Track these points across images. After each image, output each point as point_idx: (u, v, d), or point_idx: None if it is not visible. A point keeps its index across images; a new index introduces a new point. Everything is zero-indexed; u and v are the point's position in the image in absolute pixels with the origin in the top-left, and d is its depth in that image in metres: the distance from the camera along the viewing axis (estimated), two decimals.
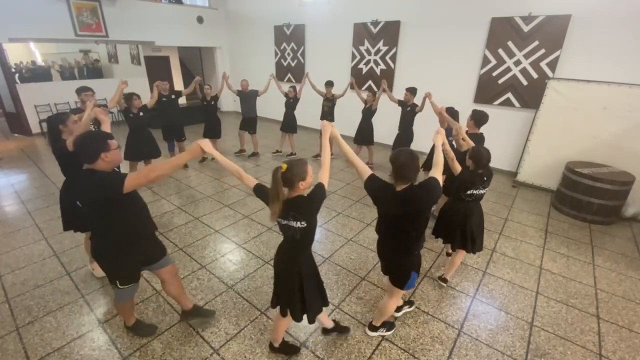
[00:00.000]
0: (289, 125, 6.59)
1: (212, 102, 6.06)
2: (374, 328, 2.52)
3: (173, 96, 5.62)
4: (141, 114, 4.70)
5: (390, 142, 5.72)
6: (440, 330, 2.59)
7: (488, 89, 5.87)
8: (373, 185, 2.03)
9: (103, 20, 7.78)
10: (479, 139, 3.38)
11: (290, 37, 8.70)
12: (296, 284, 1.96)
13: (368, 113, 5.84)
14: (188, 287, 2.98)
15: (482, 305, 2.86)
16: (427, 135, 3.03)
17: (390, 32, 6.78)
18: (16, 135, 8.22)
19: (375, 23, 6.94)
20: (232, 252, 3.52)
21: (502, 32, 5.48)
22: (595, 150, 4.73)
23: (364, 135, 6.01)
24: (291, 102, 6.49)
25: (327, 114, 6.50)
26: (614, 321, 2.73)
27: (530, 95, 5.45)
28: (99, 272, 2.97)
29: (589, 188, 4.27)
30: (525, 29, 5.24)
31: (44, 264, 3.29)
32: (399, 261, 2.18)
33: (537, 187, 5.40)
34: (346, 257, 3.48)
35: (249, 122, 6.51)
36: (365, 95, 5.96)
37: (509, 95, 5.68)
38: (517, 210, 4.66)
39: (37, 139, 7.86)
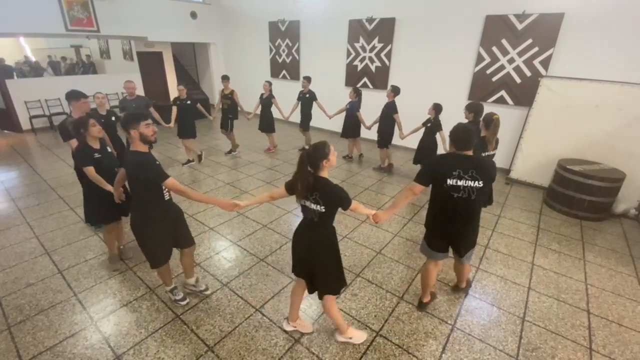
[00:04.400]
0: (183, 130, 5.66)
1: (112, 118, 4.28)
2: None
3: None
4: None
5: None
6: (434, 326, 2.61)
7: (482, 87, 5.90)
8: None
9: (94, 15, 7.65)
10: (394, 105, 5.11)
11: (285, 33, 8.64)
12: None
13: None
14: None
15: (475, 301, 2.89)
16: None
17: (385, 29, 6.76)
18: (6, 131, 8.08)
19: (370, 20, 6.92)
20: (227, 250, 3.51)
21: (496, 30, 5.50)
22: (587, 147, 4.79)
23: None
24: (186, 105, 5.50)
25: (228, 112, 6.05)
26: (604, 316, 2.78)
27: (523, 93, 5.49)
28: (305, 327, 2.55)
29: (580, 185, 4.33)
30: (519, 26, 5.27)
31: (35, 262, 3.25)
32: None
33: (529, 184, 5.45)
34: (341, 254, 3.47)
35: None
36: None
37: (503, 93, 5.71)
38: (509, 207, 4.71)
39: (27, 136, 7.73)
